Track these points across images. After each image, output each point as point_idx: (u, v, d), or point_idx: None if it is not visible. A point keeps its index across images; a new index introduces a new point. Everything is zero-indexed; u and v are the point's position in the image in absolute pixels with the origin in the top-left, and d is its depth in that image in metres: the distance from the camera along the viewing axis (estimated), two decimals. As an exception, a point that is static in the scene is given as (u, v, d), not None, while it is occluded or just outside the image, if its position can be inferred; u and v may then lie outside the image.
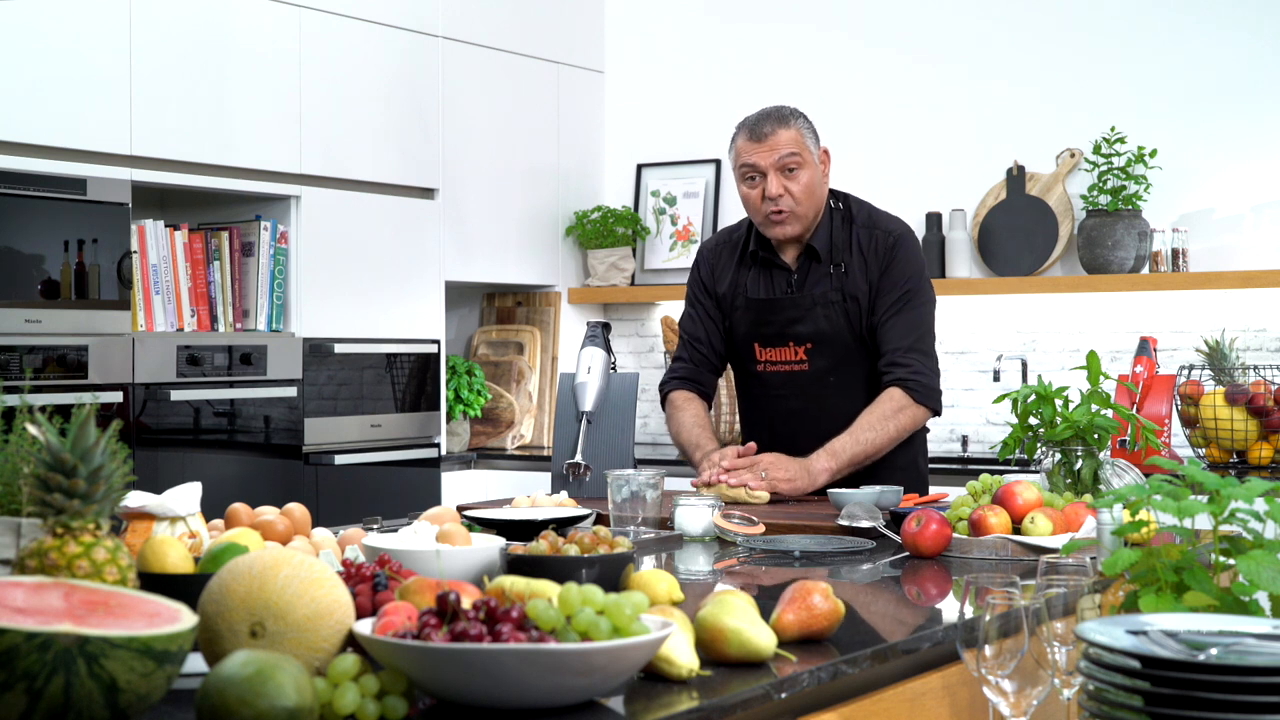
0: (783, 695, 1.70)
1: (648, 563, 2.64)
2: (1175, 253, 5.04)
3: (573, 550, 2.15)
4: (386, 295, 5.13)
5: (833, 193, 3.61)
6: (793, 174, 3.48)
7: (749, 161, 3.50)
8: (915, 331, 3.50)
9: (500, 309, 5.99)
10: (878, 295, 3.50)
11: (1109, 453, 3.44)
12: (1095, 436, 2.90)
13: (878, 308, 3.50)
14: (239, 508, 2.42)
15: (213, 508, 2.40)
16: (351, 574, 1.84)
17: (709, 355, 3.68)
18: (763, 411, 3.65)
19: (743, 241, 3.64)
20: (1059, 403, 2.94)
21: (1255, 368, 4.77)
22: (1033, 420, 2.95)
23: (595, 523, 2.92)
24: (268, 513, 2.39)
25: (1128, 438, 4.24)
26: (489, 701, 1.51)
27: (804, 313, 3.53)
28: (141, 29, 4.38)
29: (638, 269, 5.98)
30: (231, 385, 4.58)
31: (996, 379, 5.20)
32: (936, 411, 3.52)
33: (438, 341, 5.31)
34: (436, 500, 5.20)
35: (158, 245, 4.48)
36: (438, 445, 5.29)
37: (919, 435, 3.63)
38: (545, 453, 5.51)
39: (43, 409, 1.73)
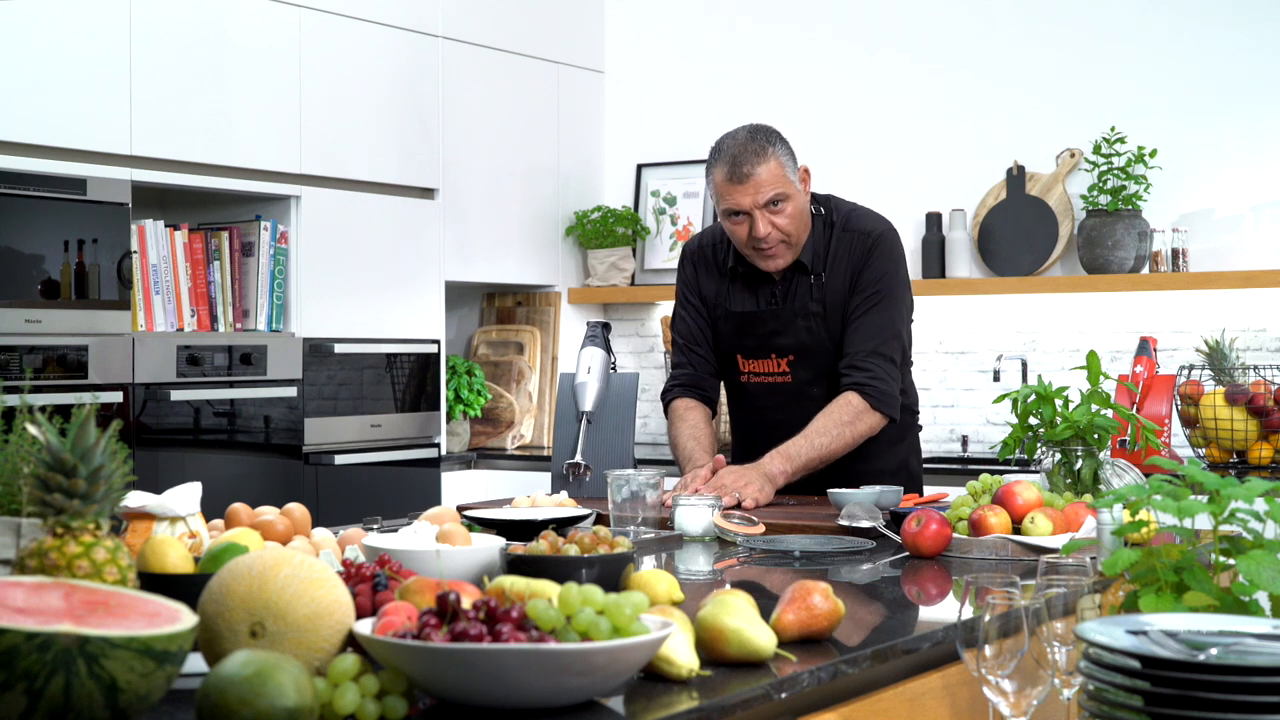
0: (783, 695, 1.70)
1: (648, 563, 2.64)
2: (1175, 253, 5.04)
3: (573, 550, 2.15)
4: (386, 295, 5.13)
5: (813, 196, 3.51)
6: (778, 208, 3.36)
7: (731, 204, 3.37)
8: (880, 335, 3.41)
9: (500, 309, 5.99)
10: (850, 294, 3.44)
11: (1109, 453, 3.44)
12: (1095, 436, 2.90)
13: (847, 306, 3.44)
14: (239, 508, 2.42)
15: (213, 508, 2.39)
16: (351, 574, 1.84)
17: (707, 357, 3.61)
18: (749, 421, 3.61)
19: (724, 253, 3.56)
20: (1059, 403, 2.94)
21: (1255, 368, 4.77)
22: (1033, 420, 2.95)
23: (595, 523, 2.92)
24: (268, 513, 2.39)
25: (1128, 438, 4.24)
26: (489, 701, 1.51)
27: (785, 325, 3.47)
28: (141, 29, 4.38)
29: (638, 269, 5.98)
30: (231, 385, 4.58)
31: (996, 379, 5.20)
32: (894, 419, 3.44)
33: (438, 341, 5.31)
34: (436, 500, 5.20)
35: (158, 245, 4.48)
36: (438, 445, 5.29)
37: (910, 436, 3.59)
38: (545, 453, 5.51)
39: (43, 409, 1.73)
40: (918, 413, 3.63)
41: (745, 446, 3.58)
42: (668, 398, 3.65)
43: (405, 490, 5.11)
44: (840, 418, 3.37)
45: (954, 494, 3.02)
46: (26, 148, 4.11)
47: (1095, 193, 5.08)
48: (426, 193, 5.33)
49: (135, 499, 2.15)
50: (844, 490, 3.10)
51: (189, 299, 4.56)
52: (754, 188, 3.35)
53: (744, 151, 3.36)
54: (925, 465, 3.84)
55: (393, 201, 5.17)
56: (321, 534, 2.40)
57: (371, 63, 5.11)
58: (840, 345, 3.45)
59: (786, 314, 3.47)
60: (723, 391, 3.76)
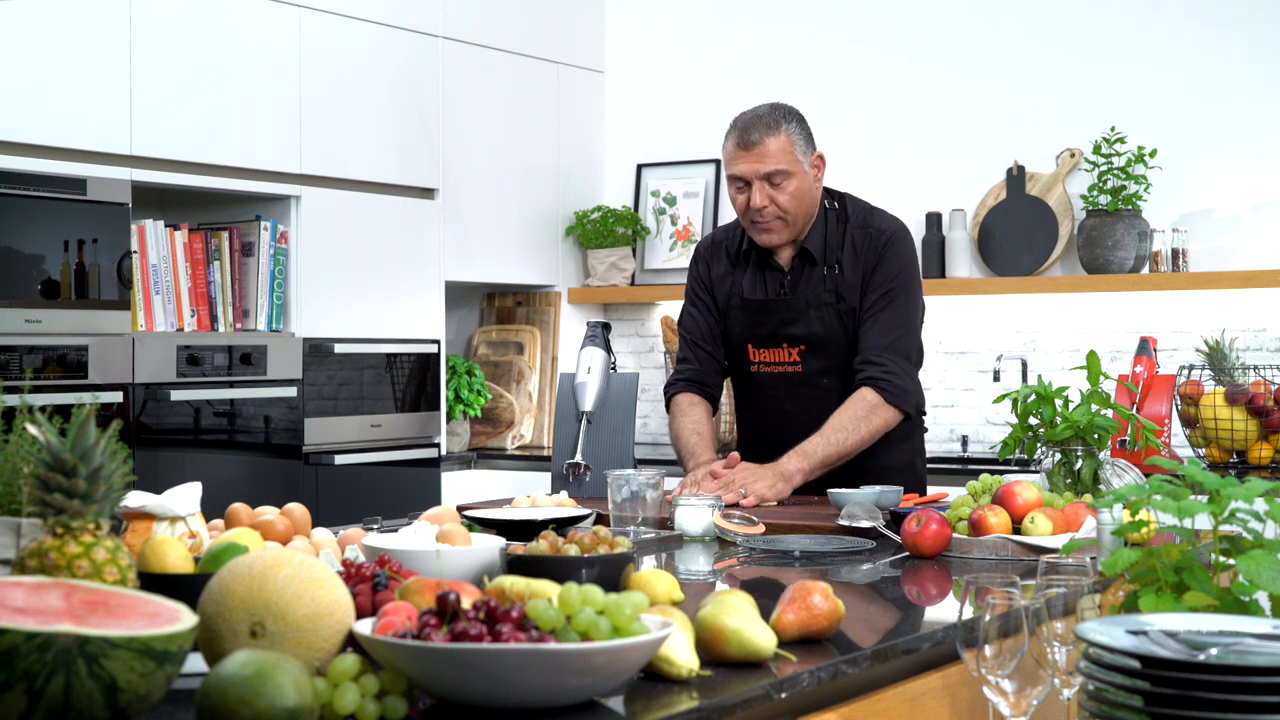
0: (783, 695, 1.70)
1: (648, 563, 2.64)
2: (1175, 253, 5.04)
3: (573, 550, 2.15)
4: (386, 295, 5.13)
5: (828, 192, 3.56)
6: (779, 184, 3.42)
7: (735, 171, 3.45)
8: (895, 331, 3.46)
9: (500, 309, 5.99)
10: (864, 292, 3.48)
11: (1109, 453, 3.44)
12: (1095, 436, 2.90)
13: (862, 304, 3.48)
14: (239, 508, 2.42)
15: (213, 508, 2.39)
16: (351, 574, 1.84)
17: (714, 354, 3.64)
18: (756, 412, 3.62)
19: (738, 240, 3.62)
20: (1059, 403, 2.94)
21: (1255, 368, 4.77)
22: (1033, 420, 2.95)
23: (595, 523, 2.92)
24: (268, 513, 2.39)
25: (1128, 438, 4.24)
26: (489, 701, 1.51)
27: (797, 314, 3.51)
28: (141, 29, 4.38)
29: (638, 269, 5.98)
30: (231, 385, 4.58)
31: (996, 379, 5.20)
32: (909, 415, 3.48)
33: (438, 341, 5.31)
34: (436, 500, 5.20)
35: (158, 245, 4.48)
36: (438, 445, 5.29)
37: (916, 436, 3.61)
38: (545, 453, 5.51)
39: (43, 409, 1.73)
40: (924, 413, 3.64)
41: (752, 438, 3.58)
42: (670, 391, 3.67)
43: (405, 490, 5.11)
44: (855, 413, 3.40)
45: (954, 494, 3.02)
46: (26, 148, 4.11)
47: (1095, 193, 5.08)
48: (426, 193, 5.33)
49: (135, 499, 2.15)
50: (844, 490, 3.10)
51: (189, 299, 4.56)
52: (757, 157, 3.42)
53: (757, 122, 3.46)
54: (927, 465, 3.85)
55: (393, 201, 5.17)
56: (321, 534, 2.39)
57: (371, 63, 5.11)
58: (852, 337, 3.48)
59: (799, 304, 3.50)
60: (724, 391, 3.77)
